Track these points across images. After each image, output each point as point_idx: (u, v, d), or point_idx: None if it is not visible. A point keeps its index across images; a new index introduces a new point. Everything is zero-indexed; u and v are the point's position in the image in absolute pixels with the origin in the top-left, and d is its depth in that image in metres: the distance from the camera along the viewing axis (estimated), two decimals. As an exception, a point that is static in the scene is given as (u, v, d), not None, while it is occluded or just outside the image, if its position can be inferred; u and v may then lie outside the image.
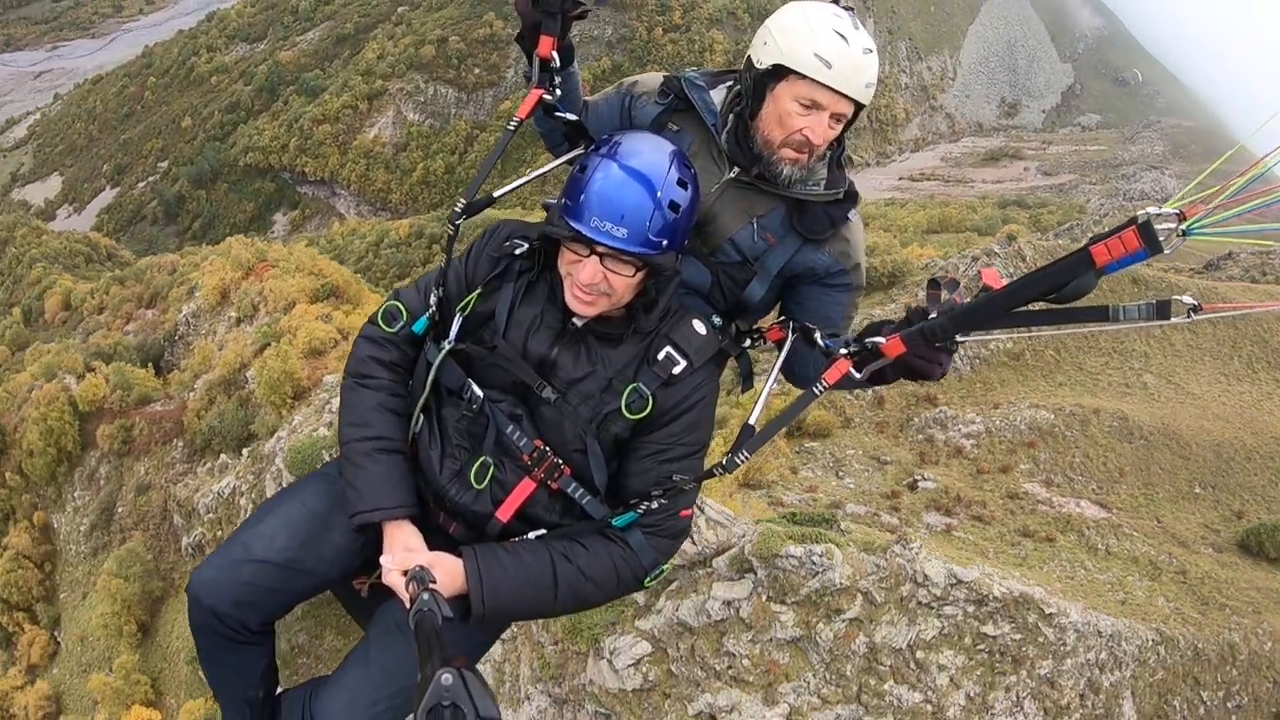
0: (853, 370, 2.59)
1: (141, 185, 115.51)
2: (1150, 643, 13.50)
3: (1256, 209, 1.91)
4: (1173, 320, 2.01)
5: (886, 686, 12.72)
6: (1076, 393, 23.62)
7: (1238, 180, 1.91)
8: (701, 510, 14.69)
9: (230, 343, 35.66)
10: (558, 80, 3.01)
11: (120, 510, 36.13)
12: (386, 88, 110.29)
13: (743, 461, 2.67)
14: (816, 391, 2.64)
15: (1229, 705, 14.05)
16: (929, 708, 12.66)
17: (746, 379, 3.21)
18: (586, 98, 3.28)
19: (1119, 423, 21.03)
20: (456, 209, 2.98)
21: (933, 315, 2.44)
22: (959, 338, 2.40)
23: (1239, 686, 14.28)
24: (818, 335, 2.90)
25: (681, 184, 2.59)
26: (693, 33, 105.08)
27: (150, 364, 40.81)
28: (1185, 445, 19.87)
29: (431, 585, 2.33)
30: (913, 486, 20.54)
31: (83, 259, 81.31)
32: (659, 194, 2.54)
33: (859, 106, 2.81)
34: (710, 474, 2.73)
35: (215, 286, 41.15)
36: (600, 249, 2.52)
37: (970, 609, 12.88)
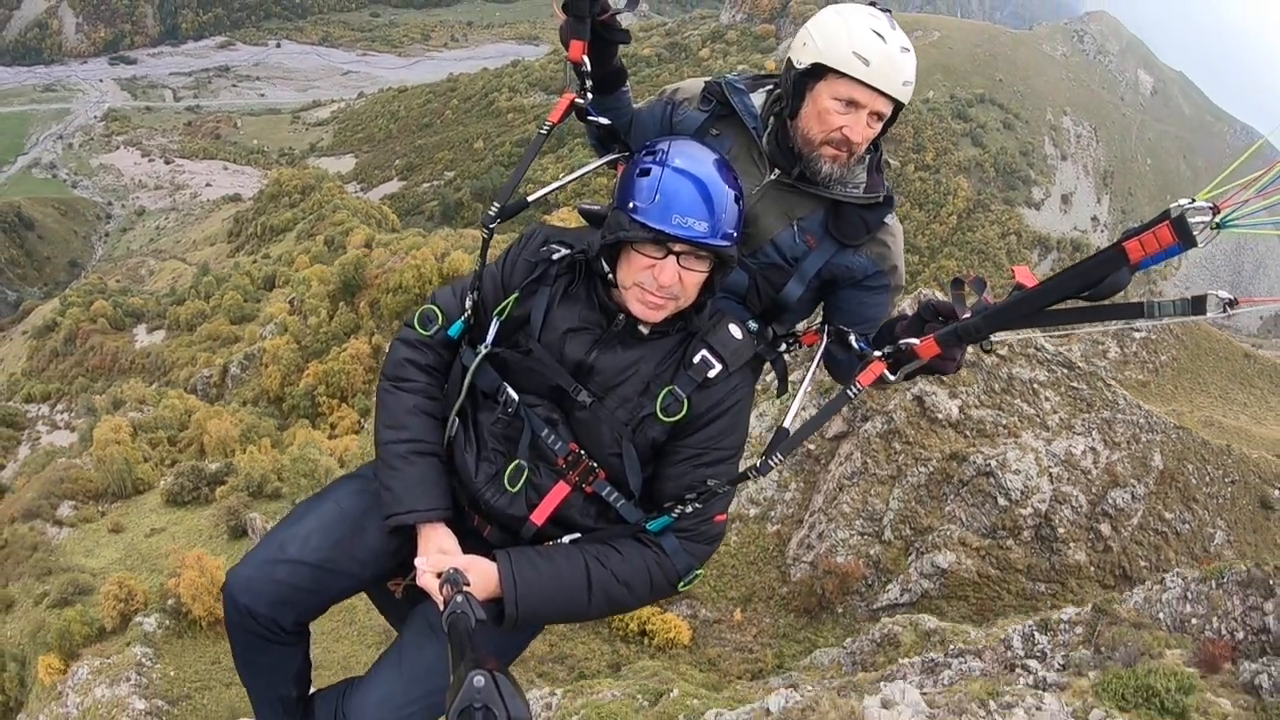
0: (887, 373, 2.65)
1: (426, 186, 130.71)
2: (1172, 426, 21.80)
3: None
4: (1209, 315, 1.96)
5: (1016, 402, 22.43)
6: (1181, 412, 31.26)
7: (1273, 170, 1.84)
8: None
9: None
10: (589, 84, 3.04)
11: (453, 345, 46.39)
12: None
13: (776, 464, 2.67)
14: (851, 393, 2.69)
15: (1225, 480, 21.70)
16: (1038, 419, 22.26)
17: (782, 383, 3.19)
18: (636, 105, 3.33)
19: (1205, 415, 28.19)
20: (490, 213, 2.94)
21: (965, 315, 2.47)
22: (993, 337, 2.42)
23: (1233, 471, 21.91)
24: (852, 338, 2.97)
25: (735, 179, 2.65)
26: (941, 174, 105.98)
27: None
28: (1251, 436, 26.42)
29: (465, 588, 2.32)
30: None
31: (374, 222, 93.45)
32: (728, 187, 2.58)
33: (897, 105, 2.82)
34: (744, 477, 2.70)
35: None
36: (679, 247, 2.51)
37: (1065, 371, 22.51)
